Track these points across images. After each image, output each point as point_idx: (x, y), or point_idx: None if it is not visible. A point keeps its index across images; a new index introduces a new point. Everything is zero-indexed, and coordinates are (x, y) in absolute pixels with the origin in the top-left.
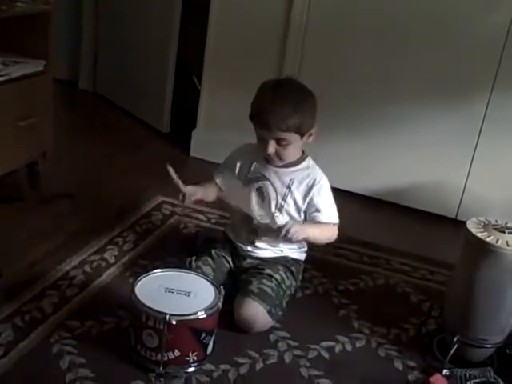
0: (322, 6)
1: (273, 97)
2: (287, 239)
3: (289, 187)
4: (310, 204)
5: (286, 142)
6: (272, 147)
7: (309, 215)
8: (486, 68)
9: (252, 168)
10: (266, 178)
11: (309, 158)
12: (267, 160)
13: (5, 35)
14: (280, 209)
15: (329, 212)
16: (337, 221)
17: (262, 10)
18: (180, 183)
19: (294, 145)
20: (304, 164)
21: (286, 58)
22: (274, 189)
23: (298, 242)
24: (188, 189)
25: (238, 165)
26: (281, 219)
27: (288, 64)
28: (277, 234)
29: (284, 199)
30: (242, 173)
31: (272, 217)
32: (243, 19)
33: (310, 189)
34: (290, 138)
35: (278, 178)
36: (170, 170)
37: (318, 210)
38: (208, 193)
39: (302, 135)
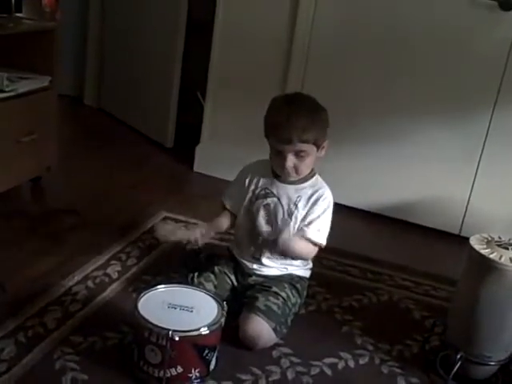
0: (324, 26)
1: (289, 110)
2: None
3: (295, 204)
4: (307, 215)
5: (305, 154)
6: (290, 161)
7: (299, 225)
8: (488, 84)
9: (260, 184)
10: (273, 195)
11: (317, 175)
12: (276, 175)
13: (11, 51)
14: (286, 226)
15: (319, 231)
16: (324, 243)
17: (266, 29)
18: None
19: (311, 157)
20: (312, 181)
21: (289, 74)
22: (281, 206)
23: (283, 254)
24: (199, 232)
25: (247, 180)
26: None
27: (291, 80)
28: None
29: (290, 216)
30: (250, 189)
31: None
32: (247, 37)
33: (314, 202)
34: (308, 150)
35: (286, 195)
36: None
37: (309, 225)
38: (221, 224)
39: (318, 147)
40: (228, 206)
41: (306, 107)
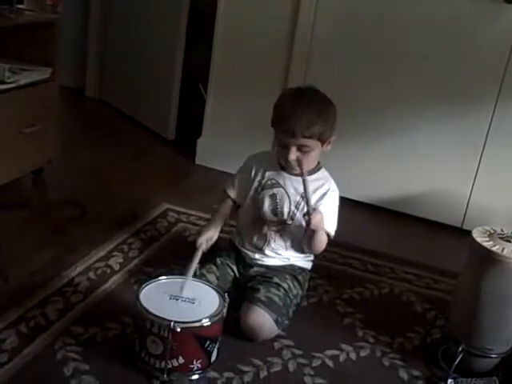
0: (326, 18)
1: (297, 103)
2: (308, 225)
3: (302, 196)
4: (316, 207)
5: (308, 149)
6: (293, 154)
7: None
8: (491, 78)
9: (266, 174)
10: (280, 186)
11: (323, 168)
12: (282, 167)
13: (13, 43)
14: (292, 217)
15: (330, 223)
16: (333, 234)
17: (268, 20)
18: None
19: (315, 152)
20: (318, 174)
21: (290, 68)
22: (288, 196)
23: (311, 234)
24: (204, 238)
25: (253, 171)
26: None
27: (293, 72)
28: (305, 216)
29: (297, 207)
30: (255, 179)
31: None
32: (249, 30)
33: (322, 196)
34: (312, 145)
35: (292, 186)
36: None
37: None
38: (223, 219)
39: (323, 142)
40: (232, 196)
41: (314, 102)
